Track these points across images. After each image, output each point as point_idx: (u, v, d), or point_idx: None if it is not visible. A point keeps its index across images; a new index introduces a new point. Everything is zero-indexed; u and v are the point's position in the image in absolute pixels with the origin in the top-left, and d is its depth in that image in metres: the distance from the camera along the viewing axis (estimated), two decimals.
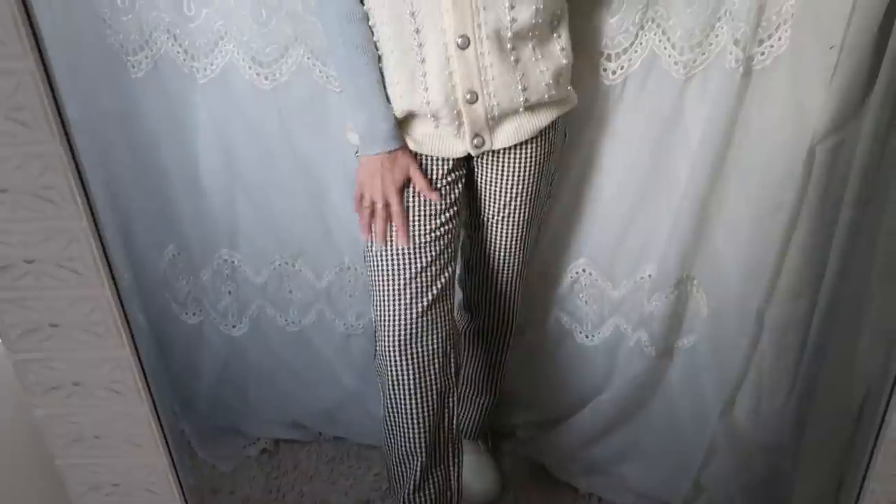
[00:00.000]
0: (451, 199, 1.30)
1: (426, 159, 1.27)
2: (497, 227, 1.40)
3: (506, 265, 1.45)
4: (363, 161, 1.25)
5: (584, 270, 1.64)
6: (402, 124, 1.24)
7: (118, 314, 0.81)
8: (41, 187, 0.74)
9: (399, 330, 1.26)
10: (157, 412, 0.88)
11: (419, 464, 1.34)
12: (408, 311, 1.26)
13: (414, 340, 1.27)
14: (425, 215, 1.27)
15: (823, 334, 1.40)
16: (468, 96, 1.19)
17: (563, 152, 1.42)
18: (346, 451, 1.87)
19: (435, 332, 1.29)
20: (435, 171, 1.28)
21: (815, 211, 1.32)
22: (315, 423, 1.90)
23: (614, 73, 1.39)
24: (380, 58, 1.22)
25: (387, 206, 1.25)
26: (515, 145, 1.28)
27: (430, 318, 1.28)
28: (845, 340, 1.30)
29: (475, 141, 1.25)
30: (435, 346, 1.29)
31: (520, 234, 1.41)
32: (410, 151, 1.25)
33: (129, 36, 1.47)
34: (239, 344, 1.81)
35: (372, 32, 1.21)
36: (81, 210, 0.75)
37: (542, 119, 1.26)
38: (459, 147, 1.26)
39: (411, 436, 1.32)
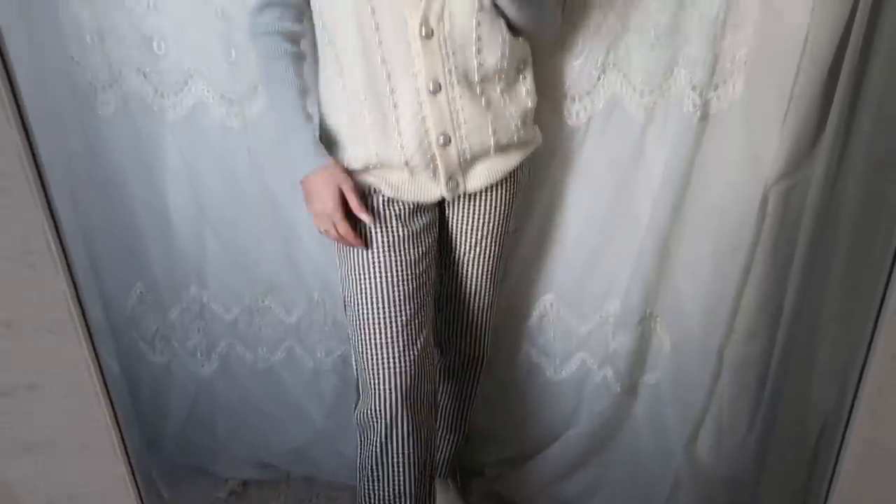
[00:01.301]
0: (427, 244, 1.32)
1: (401, 205, 1.27)
2: (468, 265, 1.42)
3: (476, 301, 1.47)
4: (305, 187, 1.25)
5: (551, 305, 1.67)
6: (377, 171, 1.25)
7: (94, 370, 0.80)
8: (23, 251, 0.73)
9: (399, 379, 1.28)
10: (133, 471, 0.87)
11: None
12: (405, 360, 1.28)
13: (412, 387, 1.29)
14: (408, 263, 1.28)
15: (780, 372, 1.43)
16: (441, 140, 1.21)
17: (527, 190, 1.45)
18: (316, 492, 1.86)
19: (426, 375, 1.31)
20: (410, 216, 1.29)
21: (770, 253, 1.36)
22: (284, 462, 1.88)
23: (578, 114, 1.43)
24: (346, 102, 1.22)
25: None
26: (486, 187, 1.30)
27: (421, 362, 1.30)
28: (801, 378, 1.33)
29: (450, 184, 1.26)
30: (427, 389, 1.32)
31: (490, 270, 1.43)
32: (343, 169, 1.25)
33: (98, 74, 1.48)
34: (207, 382, 1.80)
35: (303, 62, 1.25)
36: (59, 269, 0.74)
37: (512, 160, 1.29)
38: (435, 191, 1.27)
39: (403, 479, 1.33)
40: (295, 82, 1.22)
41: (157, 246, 1.65)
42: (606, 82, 1.40)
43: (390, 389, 1.28)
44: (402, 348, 1.28)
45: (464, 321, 1.51)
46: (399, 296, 1.27)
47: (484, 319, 1.51)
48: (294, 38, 1.24)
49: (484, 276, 1.44)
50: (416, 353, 1.28)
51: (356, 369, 1.35)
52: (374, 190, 1.27)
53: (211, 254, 1.66)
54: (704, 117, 1.33)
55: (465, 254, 1.40)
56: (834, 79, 1.22)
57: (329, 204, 1.22)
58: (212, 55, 1.43)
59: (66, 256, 0.77)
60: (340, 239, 1.26)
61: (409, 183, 1.25)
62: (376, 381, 1.29)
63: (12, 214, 0.73)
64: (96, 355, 0.78)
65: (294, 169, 1.25)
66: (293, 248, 1.64)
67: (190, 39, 1.42)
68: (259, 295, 1.71)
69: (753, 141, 1.31)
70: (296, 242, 1.62)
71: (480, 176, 1.28)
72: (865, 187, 1.25)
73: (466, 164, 1.25)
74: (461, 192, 1.28)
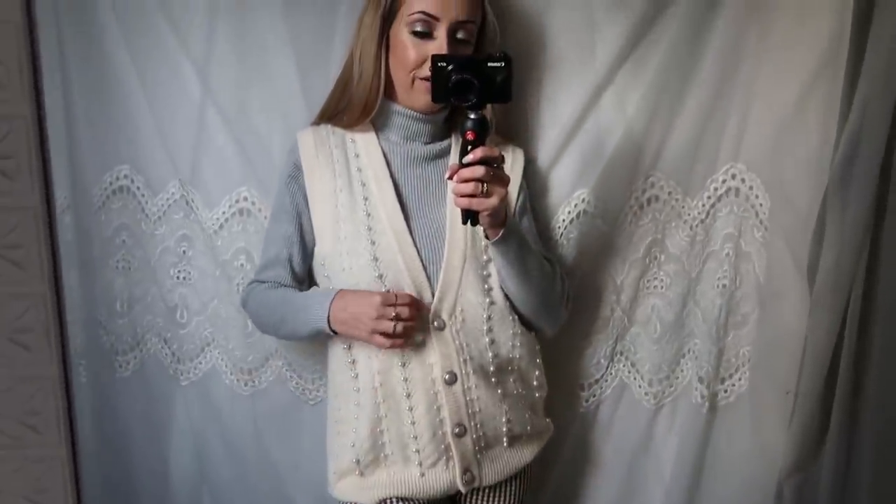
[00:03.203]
0: None
1: (416, 502, 1.24)
2: None
3: None
4: (336, 319, 1.16)
5: None
6: (389, 468, 1.22)
7: None
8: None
9: None
10: None
11: None
12: None
13: None
14: None
15: None
16: (456, 430, 1.20)
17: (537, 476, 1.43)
18: None
19: None
20: None
21: None
22: None
23: (587, 400, 1.46)
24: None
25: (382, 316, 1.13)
26: (501, 482, 1.28)
27: None
28: None
29: (465, 477, 1.23)
30: None
31: None
32: None
33: (122, 337, 1.53)
34: None
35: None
36: None
37: (527, 454, 1.29)
38: (449, 484, 1.23)
39: None
40: (288, 290, 1.25)
41: None
42: (614, 370, 1.45)
43: None
44: None
45: None
46: None
47: None
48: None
49: None
50: None
51: None
52: (387, 499, 1.23)
53: None
54: (713, 408, 1.37)
55: None
56: (834, 376, 1.27)
57: (371, 305, 1.12)
58: (229, 327, 1.48)
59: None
60: (414, 315, 1.13)
61: (421, 480, 1.22)
62: None
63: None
64: None
65: (318, 317, 1.17)
66: None
67: (211, 310, 1.49)
68: None
69: (763, 434, 1.34)
70: None
71: (496, 470, 1.26)
72: (876, 480, 1.26)
73: (482, 455, 1.24)
74: (477, 485, 1.25)
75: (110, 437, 1.57)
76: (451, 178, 1.06)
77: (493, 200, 1.05)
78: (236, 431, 1.55)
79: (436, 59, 1.08)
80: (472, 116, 1.04)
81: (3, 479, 0.72)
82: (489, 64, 1.06)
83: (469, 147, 1.04)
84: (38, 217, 0.63)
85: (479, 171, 1.03)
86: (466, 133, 1.04)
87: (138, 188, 1.45)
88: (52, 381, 0.69)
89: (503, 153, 1.09)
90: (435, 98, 1.09)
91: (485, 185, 1.04)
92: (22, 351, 0.67)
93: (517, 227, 1.17)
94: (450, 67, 1.06)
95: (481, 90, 1.05)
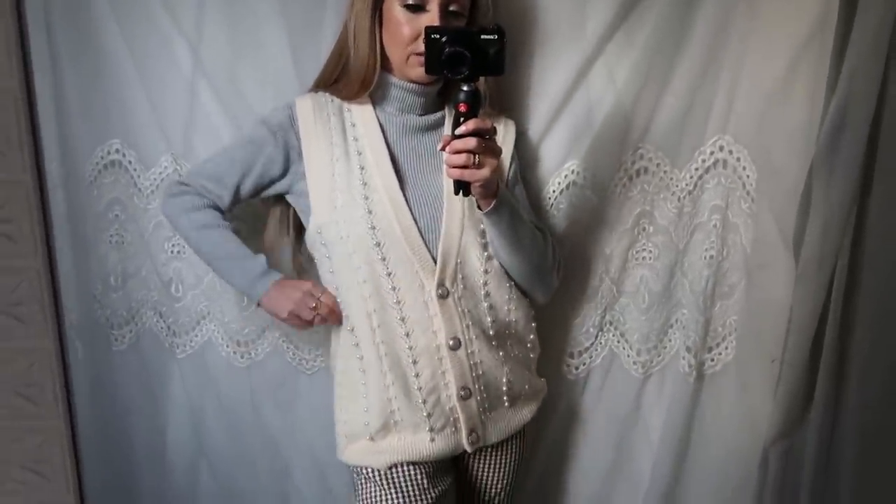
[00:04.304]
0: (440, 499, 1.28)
1: (427, 467, 1.25)
2: None
3: None
4: (268, 304, 1.28)
5: None
6: (397, 434, 1.24)
7: None
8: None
9: None
10: None
11: None
12: None
13: None
14: None
15: None
16: (462, 393, 1.23)
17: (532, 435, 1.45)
18: None
19: None
20: (435, 476, 1.26)
21: None
22: None
23: (577, 368, 1.48)
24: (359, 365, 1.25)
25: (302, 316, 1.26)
26: (503, 440, 1.31)
27: None
28: None
29: (471, 437, 1.26)
30: None
31: None
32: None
33: (117, 311, 1.53)
34: None
35: None
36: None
37: (527, 413, 1.32)
38: (456, 444, 1.26)
39: None
40: (234, 238, 1.29)
41: (150, 485, 1.62)
42: (604, 340, 1.47)
43: None
44: None
45: None
46: None
47: None
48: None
49: None
50: None
51: None
52: (398, 464, 1.24)
53: (205, 493, 1.63)
54: (700, 377, 1.39)
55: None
56: (819, 346, 1.29)
57: (300, 289, 1.26)
58: (225, 299, 1.49)
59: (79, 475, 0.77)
60: (330, 315, 1.26)
61: (428, 443, 1.24)
62: None
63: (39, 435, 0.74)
64: None
65: (252, 292, 1.29)
66: (287, 491, 1.61)
67: (206, 284, 1.50)
68: None
69: (749, 402, 1.36)
70: (290, 486, 1.60)
71: (500, 429, 1.29)
72: (860, 448, 1.28)
73: (486, 416, 1.27)
74: (481, 444, 1.28)
75: (107, 411, 1.58)
76: (443, 149, 1.07)
77: (484, 171, 1.07)
78: (233, 403, 1.56)
79: (429, 30, 1.08)
80: (465, 89, 1.05)
81: (3, 449, 0.74)
82: (482, 36, 1.06)
83: (462, 119, 1.05)
84: (29, 191, 0.64)
85: (471, 142, 1.04)
86: (459, 105, 1.05)
87: (130, 162, 1.45)
88: (48, 354, 0.70)
89: (495, 125, 1.09)
90: (428, 70, 1.10)
91: (476, 156, 1.05)
92: (16, 324, 0.68)
93: (509, 198, 1.19)
94: (443, 39, 1.07)
95: (474, 63, 1.05)
